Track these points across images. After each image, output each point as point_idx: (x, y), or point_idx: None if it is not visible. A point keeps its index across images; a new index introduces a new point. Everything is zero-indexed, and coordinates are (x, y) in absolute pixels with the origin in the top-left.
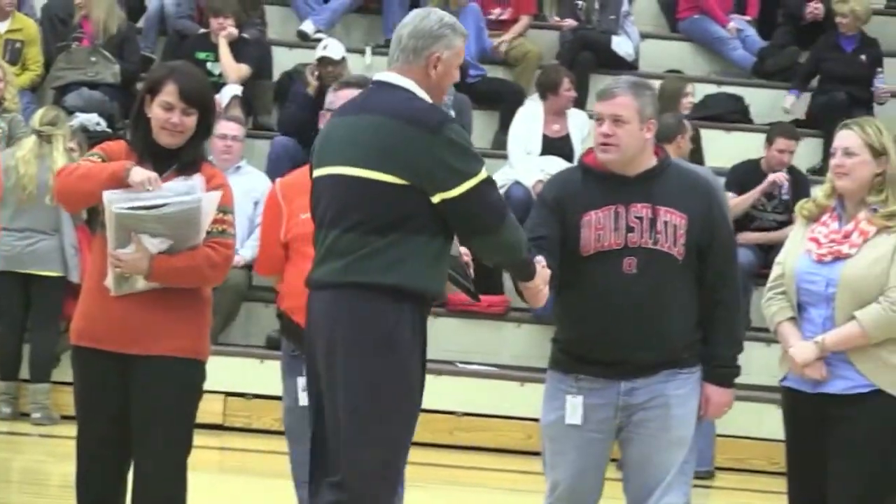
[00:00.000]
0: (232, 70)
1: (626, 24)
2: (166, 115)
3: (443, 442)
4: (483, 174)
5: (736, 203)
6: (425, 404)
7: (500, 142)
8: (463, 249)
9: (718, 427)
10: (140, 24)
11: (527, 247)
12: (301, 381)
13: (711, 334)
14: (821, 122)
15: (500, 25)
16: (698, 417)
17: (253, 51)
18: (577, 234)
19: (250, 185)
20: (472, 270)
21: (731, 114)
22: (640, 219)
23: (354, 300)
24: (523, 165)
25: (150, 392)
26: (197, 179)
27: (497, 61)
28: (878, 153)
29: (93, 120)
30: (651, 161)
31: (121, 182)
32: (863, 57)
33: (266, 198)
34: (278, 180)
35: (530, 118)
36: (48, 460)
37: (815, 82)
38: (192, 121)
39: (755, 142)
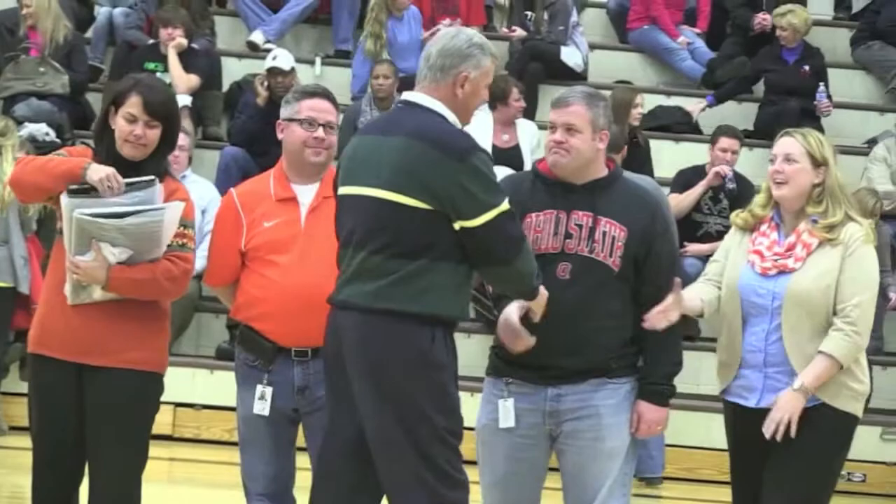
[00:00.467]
0: (181, 80)
1: (576, 34)
2: (130, 127)
3: None
4: (504, 206)
5: (680, 200)
6: None
7: None
8: None
9: (668, 437)
10: (89, 34)
11: (536, 275)
12: (259, 390)
13: (647, 352)
14: (771, 133)
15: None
16: (630, 433)
17: (202, 61)
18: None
19: (196, 194)
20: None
21: (679, 124)
22: (580, 226)
23: (381, 327)
24: None
25: (106, 404)
26: (156, 189)
27: None
28: (819, 163)
29: (42, 130)
30: (601, 172)
31: (78, 178)
32: (806, 67)
33: (220, 207)
34: (234, 189)
35: (479, 128)
36: None
37: (760, 94)
38: (155, 134)
39: (703, 152)
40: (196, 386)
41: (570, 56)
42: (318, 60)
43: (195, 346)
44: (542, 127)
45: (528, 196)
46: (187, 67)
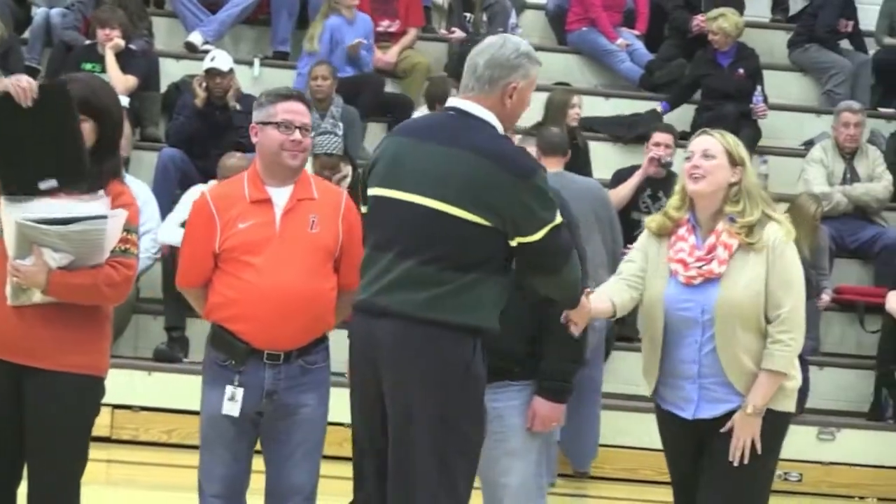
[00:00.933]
0: (119, 81)
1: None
2: None
3: (333, 454)
4: (557, 219)
5: (617, 191)
6: None
7: None
8: None
9: (608, 437)
10: (26, 35)
11: (581, 284)
12: (229, 391)
13: (545, 348)
14: None
15: (389, 37)
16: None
17: (140, 62)
18: None
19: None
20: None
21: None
22: None
23: (434, 337)
24: None
25: (45, 407)
26: (102, 200)
27: (386, 73)
28: (736, 162)
29: None
30: None
31: None
32: (741, 70)
33: (193, 209)
34: (207, 191)
35: None
36: None
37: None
38: (84, 129)
39: (642, 154)
40: (134, 388)
41: None
42: (256, 61)
43: (133, 348)
44: None
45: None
46: (125, 68)
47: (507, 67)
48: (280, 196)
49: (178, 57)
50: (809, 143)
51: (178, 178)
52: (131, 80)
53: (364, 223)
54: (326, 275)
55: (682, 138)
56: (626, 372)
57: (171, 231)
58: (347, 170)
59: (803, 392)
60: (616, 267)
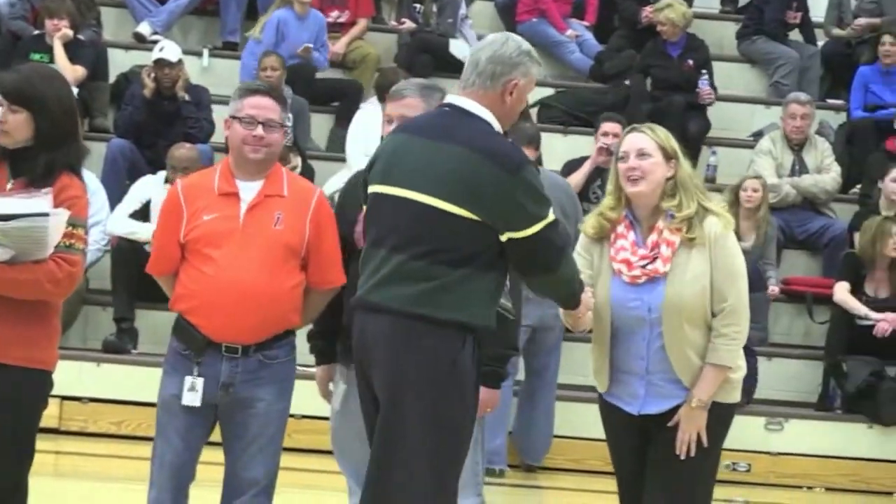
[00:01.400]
0: (67, 72)
1: (464, 27)
2: None
3: (283, 445)
4: (551, 217)
5: (568, 182)
6: None
7: (336, 139)
8: None
9: (556, 428)
10: None
11: (579, 282)
12: (189, 382)
13: None
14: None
15: (339, 28)
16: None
17: (88, 52)
18: (353, 229)
19: None
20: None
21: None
22: None
23: (422, 332)
24: (361, 167)
25: None
26: (45, 197)
27: (335, 63)
28: (670, 156)
29: None
30: None
31: None
32: (690, 61)
33: (165, 198)
34: (179, 181)
35: (368, 120)
36: None
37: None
38: (17, 119)
39: (591, 144)
40: (83, 379)
41: (459, 49)
42: (205, 52)
43: (82, 339)
44: None
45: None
46: (73, 59)
47: (509, 64)
48: (248, 190)
49: (126, 47)
50: (758, 135)
51: (127, 169)
52: (80, 71)
53: (364, 220)
54: (289, 272)
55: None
56: (575, 363)
57: (119, 222)
58: (297, 161)
59: (751, 383)
60: None
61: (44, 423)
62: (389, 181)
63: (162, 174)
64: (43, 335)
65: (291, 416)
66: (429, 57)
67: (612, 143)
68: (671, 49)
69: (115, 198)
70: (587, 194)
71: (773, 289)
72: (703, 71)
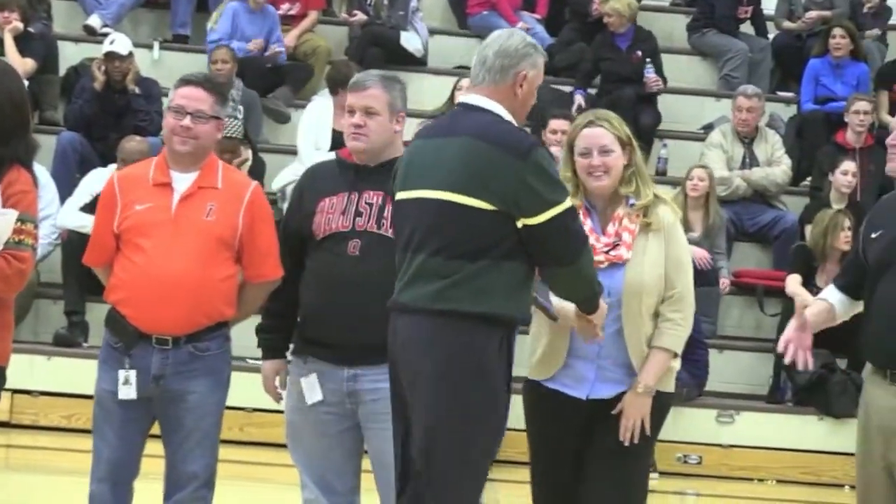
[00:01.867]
0: (17, 64)
1: (415, 20)
2: None
3: (233, 438)
4: (567, 203)
5: None
6: None
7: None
8: None
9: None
10: None
11: (599, 283)
12: (122, 375)
13: None
14: None
15: (289, 20)
16: None
17: (38, 45)
18: (312, 220)
19: None
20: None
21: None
22: (371, 205)
23: (445, 328)
24: (313, 160)
25: None
26: None
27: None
28: (625, 144)
29: None
30: (397, 153)
31: None
32: (638, 53)
33: (103, 188)
34: (116, 172)
35: (319, 113)
36: None
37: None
38: None
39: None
40: (34, 372)
41: (410, 41)
42: (156, 45)
43: (33, 333)
44: None
45: (325, 182)
46: (23, 51)
47: (516, 56)
48: (182, 181)
49: (76, 40)
50: (709, 127)
51: (78, 162)
52: (29, 64)
53: (393, 228)
54: (220, 264)
55: None
56: (524, 355)
57: (70, 216)
58: (247, 153)
59: (702, 375)
60: None
61: None
62: (407, 186)
63: (112, 167)
64: None
65: (242, 409)
66: (379, 50)
67: (561, 140)
68: (620, 41)
69: (65, 191)
70: None
71: (724, 280)
72: (648, 59)
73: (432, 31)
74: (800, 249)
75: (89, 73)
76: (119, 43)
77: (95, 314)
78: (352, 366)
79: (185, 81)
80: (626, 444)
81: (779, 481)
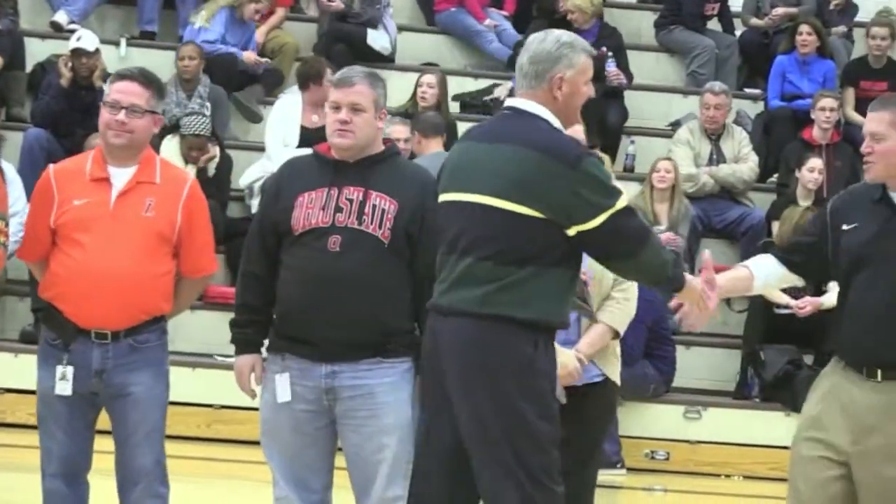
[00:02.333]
0: None
1: (385, 16)
2: None
3: (200, 435)
4: (619, 205)
5: None
6: (182, 397)
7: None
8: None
9: None
10: None
11: (672, 265)
12: (59, 371)
13: (421, 325)
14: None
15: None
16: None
17: (5, 41)
18: (290, 214)
19: None
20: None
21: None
22: (351, 201)
23: (490, 331)
24: (281, 157)
25: None
26: None
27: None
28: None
29: None
30: (376, 149)
31: None
32: (603, 48)
33: (38, 183)
34: (51, 166)
35: (288, 110)
36: None
37: None
38: None
39: None
40: (0, 370)
41: (377, 40)
42: (123, 41)
43: (0, 330)
44: None
45: (304, 177)
46: None
47: (550, 60)
48: (120, 177)
49: (43, 36)
50: (676, 124)
51: (45, 159)
52: None
53: (437, 228)
54: (158, 259)
55: None
56: None
57: None
58: (215, 150)
59: (669, 371)
60: None
61: None
62: (454, 188)
63: None
64: None
65: (210, 406)
66: (345, 46)
67: None
68: (585, 38)
69: (32, 188)
70: None
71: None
72: (610, 53)
73: (400, 28)
74: (767, 246)
75: (56, 70)
76: (86, 39)
77: None
78: (331, 362)
79: (121, 76)
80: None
81: (746, 477)
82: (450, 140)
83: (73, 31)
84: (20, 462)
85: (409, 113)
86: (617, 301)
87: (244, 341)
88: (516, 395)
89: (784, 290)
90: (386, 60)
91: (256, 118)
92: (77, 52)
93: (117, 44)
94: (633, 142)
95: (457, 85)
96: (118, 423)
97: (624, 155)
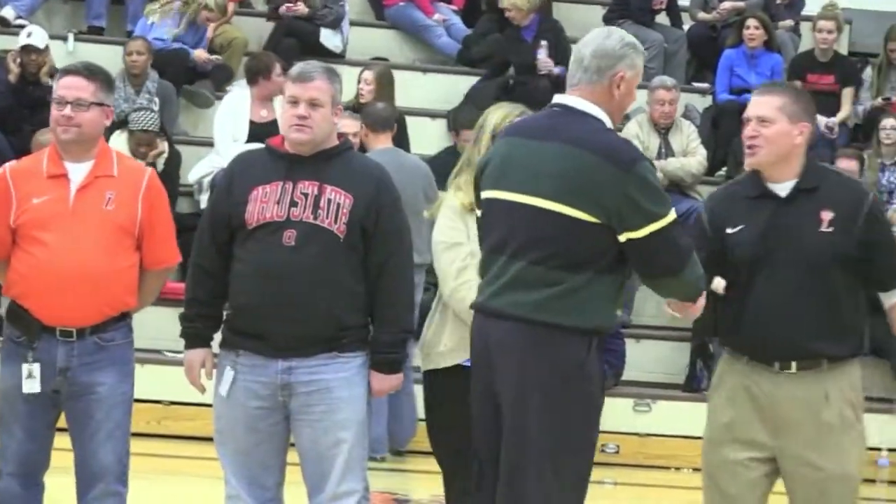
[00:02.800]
0: None
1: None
2: None
3: (150, 431)
4: (671, 217)
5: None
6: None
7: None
8: None
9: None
10: None
11: (704, 282)
12: (26, 369)
13: (374, 321)
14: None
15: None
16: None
17: None
18: (244, 208)
19: None
20: None
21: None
22: (306, 195)
23: (548, 339)
24: (230, 152)
25: None
26: None
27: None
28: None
29: None
30: (331, 143)
31: None
32: (543, 42)
33: None
34: (7, 166)
35: (236, 105)
36: None
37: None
38: None
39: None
40: None
41: (330, 39)
42: (70, 37)
43: None
44: None
45: (257, 171)
46: None
47: (614, 57)
48: (78, 172)
49: None
50: (625, 118)
51: None
52: None
53: (480, 225)
54: (122, 253)
55: None
56: None
57: None
58: (163, 146)
59: (619, 364)
60: None
61: None
62: (501, 186)
63: None
64: None
65: (159, 402)
66: (295, 41)
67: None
68: (525, 33)
69: None
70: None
71: None
72: (543, 42)
73: (350, 23)
74: None
75: (3, 66)
76: (36, 36)
77: None
78: (286, 357)
79: (66, 71)
80: None
81: (695, 469)
82: (399, 135)
83: (20, 27)
84: None
85: (354, 108)
86: None
87: (194, 335)
88: (566, 400)
89: None
90: (336, 55)
91: (210, 102)
92: (27, 49)
93: (65, 39)
94: None
95: (406, 80)
96: (81, 422)
97: None
